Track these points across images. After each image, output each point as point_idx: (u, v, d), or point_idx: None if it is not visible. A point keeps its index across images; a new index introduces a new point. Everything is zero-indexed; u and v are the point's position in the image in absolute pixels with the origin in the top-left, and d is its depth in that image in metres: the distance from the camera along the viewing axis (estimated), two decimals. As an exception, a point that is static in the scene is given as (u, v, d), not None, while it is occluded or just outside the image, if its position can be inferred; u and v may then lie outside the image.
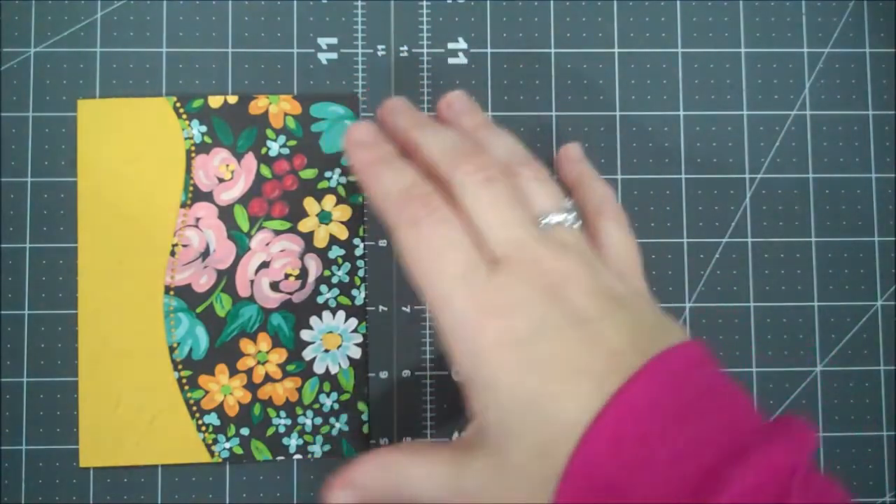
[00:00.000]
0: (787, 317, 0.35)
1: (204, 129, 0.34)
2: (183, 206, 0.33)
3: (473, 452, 0.26)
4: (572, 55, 0.35)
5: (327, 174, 0.34)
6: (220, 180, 0.34)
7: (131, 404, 0.33)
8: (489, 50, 0.35)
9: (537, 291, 0.26)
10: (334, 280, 0.34)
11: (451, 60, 0.35)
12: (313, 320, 0.33)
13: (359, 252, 0.34)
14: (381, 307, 0.34)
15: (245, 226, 0.33)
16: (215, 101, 0.34)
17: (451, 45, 0.35)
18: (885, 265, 0.35)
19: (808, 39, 0.36)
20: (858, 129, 0.36)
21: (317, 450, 0.33)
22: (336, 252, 0.34)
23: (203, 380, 0.33)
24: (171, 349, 0.33)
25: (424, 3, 0.35)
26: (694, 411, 0.23)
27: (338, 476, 0.28)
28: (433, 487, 0.26)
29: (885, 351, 0.35)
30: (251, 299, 0.33)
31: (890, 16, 0.36)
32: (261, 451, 0.33)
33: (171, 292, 0.33)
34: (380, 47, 0.35)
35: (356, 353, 0.34)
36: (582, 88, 0.35)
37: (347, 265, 0.34)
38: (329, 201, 0.34)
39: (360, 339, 0.34)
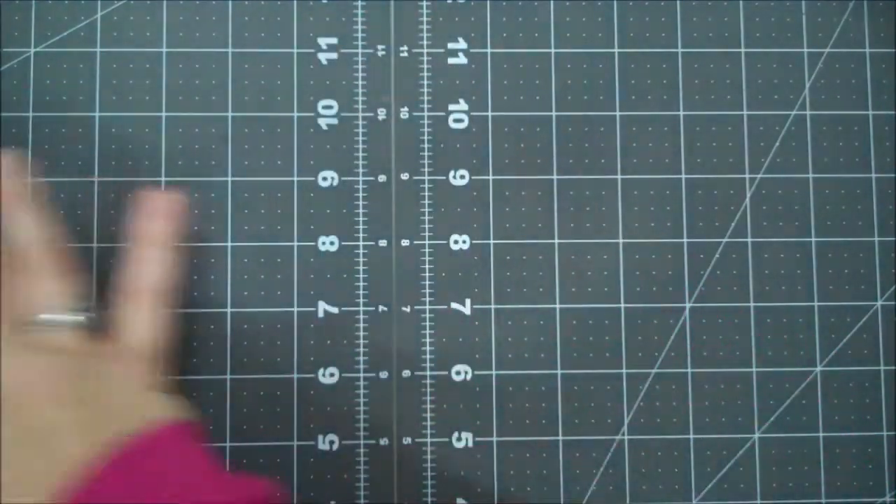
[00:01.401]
0: (787, 317, 0.35)
1: None
2: None
3: None
4: (572, 55, 0.35)
5: None
6: None
7: None
8: (489, 50, 0.35)
9: None
10: None
11: (451, 60, 0.35)
12: None
13: None
14: (381, 307, 0.34)
15: None
16: None
17: (451, 45, 0.35)
18: (885, 265, 0.35)
19: (808, 39, 0.36)
20: (858, 129, 0.36)
21: None
22: None
23: None
24: None
25: (424, 3, 0.35)
26: (147, 489, 0.25)
27: None
28: None
29: (885, 351, 0.35)
30: None
31: (890, 16, 0.36)
32: None
33: None
34: (380, 47, 0.35)
35: None
36: (582, 88, 0.35)
37: None
38: None
39: None
